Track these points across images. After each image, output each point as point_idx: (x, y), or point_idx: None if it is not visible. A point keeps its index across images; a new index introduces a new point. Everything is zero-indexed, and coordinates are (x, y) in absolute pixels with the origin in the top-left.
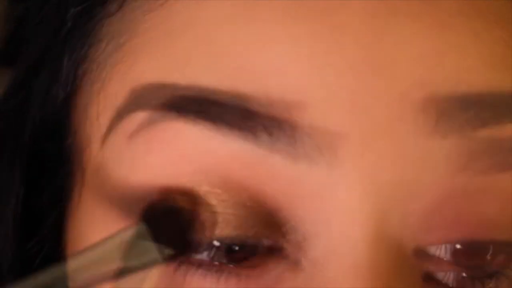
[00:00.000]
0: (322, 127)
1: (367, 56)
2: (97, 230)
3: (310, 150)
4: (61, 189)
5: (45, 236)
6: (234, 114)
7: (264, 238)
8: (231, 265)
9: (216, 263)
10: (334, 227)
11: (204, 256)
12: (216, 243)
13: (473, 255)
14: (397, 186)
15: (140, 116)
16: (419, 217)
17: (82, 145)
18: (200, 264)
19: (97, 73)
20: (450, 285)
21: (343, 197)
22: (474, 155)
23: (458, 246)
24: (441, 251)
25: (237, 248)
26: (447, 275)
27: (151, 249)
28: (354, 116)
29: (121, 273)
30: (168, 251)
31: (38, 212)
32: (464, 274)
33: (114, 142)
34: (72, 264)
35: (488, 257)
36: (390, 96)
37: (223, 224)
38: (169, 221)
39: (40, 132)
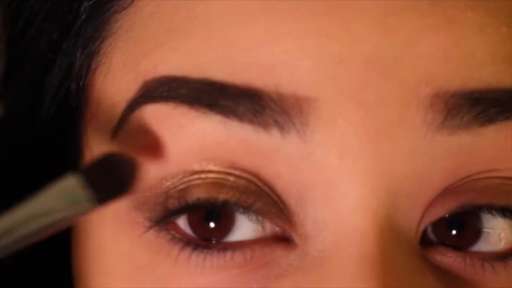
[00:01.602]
0: (333, 123)
1: (377, 53)
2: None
3: (321, 144)
4: None
5: None
6: (245, 108)
7: (274, 223)
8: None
9: (229, 251)
10: (344, 220)
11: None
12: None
13: (469, 228)
14: (406, 179)
15: (151, 108)
16: (423, 210)
17: (94, 138)
18: (206, 246)
19: (109, 67)
20: (459, 271)
21: (354, 188)
22: (480, 151)
23: (454, 232)
24: (446, 238)
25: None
26: (454, 261)
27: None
28: (363, 112)
29: (55, 224)
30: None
31: None
32: (472, 259)
33: (125, 133)
34: (9, 217)
35: (479, 226)
36: (400, 92)
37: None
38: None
39: (51, 127)
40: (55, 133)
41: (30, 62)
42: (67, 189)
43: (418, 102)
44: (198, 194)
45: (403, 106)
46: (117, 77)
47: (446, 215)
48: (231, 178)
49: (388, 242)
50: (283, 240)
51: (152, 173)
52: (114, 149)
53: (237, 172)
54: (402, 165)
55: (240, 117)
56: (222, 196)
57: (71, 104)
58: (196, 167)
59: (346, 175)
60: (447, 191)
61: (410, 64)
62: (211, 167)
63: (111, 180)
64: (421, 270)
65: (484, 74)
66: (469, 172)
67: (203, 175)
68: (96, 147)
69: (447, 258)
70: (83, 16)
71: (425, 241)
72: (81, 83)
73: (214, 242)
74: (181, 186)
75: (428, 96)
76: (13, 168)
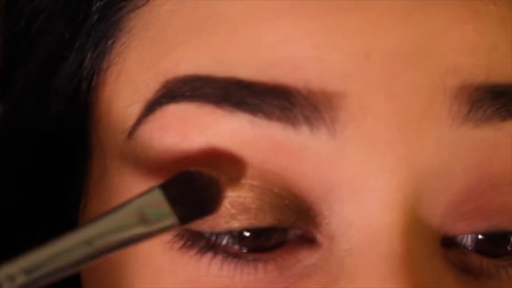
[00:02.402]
0: (362, 116)
1: (405, 45)
2: None
3: (351, 139)
4: (77, 184)
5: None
6: (274, 106)
7: (296, 227)
8: (265, 254)
9: (244, 250)
10: (370, 216)
11: (235, 246)
12: (246, 233)
13: (497, 245)
14: (428, 173)
15: (174, 108)
16: (448, 207)
17: (106, 137)
18: (237, 255)
19: (123, 66)
20: (476, 273)
21: (382, 182)
22: (502, 146)
23: (481, 236)
24: (467, 241)
25: (267, 236)
26: (473, 264)
27: (168, 214)
28: (392, 104)
29: (138, 239)
30: (185, 215)
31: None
32: (489, 263)
33: (145, 134)
34: (89, 230)
35: (509, 248)
36: (428, 83)
37: (256, 211)
38: (189, 187)
39: (58, 125)
40: (62, 131)
41: (35, 60)
42: (149, 204)
43: (444, 93)
44: (226, 224)
45: (430, 97)
46: (132, 76)
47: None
48: (261, 198)
49: (414, 238)
50: (307, 241)
51: (169, 175)
52: (130, 149)
53: (263, 184)
54: (429, 158)
55: (268, 115)
56: (255, 224)
57: (80, 102)
58: (221, 177)
59: (374, 169)
60: (477, 210)
61: (437, 55)
62: (237, 179)
63: (194, 197)
64: (442, 268)
65: (506, 68)
66: (491, 170)
67: (227, 192)
68: (110, 146)
69: (467, 259)
70: (95, 16)
71: (447, 240)
72: (92, 83)
73: (245, 251)
74: None
75: (454, 87)
76: (18, 166)
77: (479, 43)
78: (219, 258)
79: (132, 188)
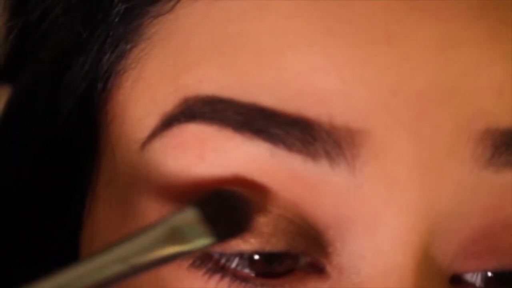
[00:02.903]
0: (384, 154)
1: (434, 84)
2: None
3: (370, 177)
4: (83, 184)
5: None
6: (296, 138)
7: (307, 255)
8: (273, 280)
9: (253, 275)
10: (383, 253)
11: (244, 269)
12: (256, 257)
13: (506, 284)
14: (448, 214)
15: (192, 128)
16: (459, 246)
17: (119, 143)
18: (245, 278)
19: (142, 73)
20: None
21: (398, 221)
22: None
23: (490, 274)
24: (476, 279)
25: (277, 262)
26: None
27: (204, 232)
28: (415, 144)
29: (174, 257)
30: (221, 233)
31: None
32: None
33: (159, 148)
34: (122, 248)
35: None
36: (453, 124)
37: (268, 236)
38: (223, 206)
39: (68, 123)
40: (71, 127)
41: (49, 50)
42: (184, 223)
43: (469, 135)
44: (237, 246)
45: (454, 139)
46: (151, 86)
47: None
48: (276, 224)
49: (424, 277)
50: (317, 270)
51: (187, 195)
52: (143, 160)
53: (277, 210)
54: (447, 200)
55: (289, 146)
56: (267, 248)
57: (93, 101)
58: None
59: (391, 207)
60: (488, 249)
61: (466, 96)
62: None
63: (229, 216)
64: None
65: None
66: (506, 212)
67: None
68: (120, 152)
69: None
70: (116, 17)
71: (456, 277)
72: (108, 84)
73: (253, 275)
74: None
75: (479, 130)
76: (22, 160)
77: (507, 85)
78: (226, 280)
79: (142, 198)
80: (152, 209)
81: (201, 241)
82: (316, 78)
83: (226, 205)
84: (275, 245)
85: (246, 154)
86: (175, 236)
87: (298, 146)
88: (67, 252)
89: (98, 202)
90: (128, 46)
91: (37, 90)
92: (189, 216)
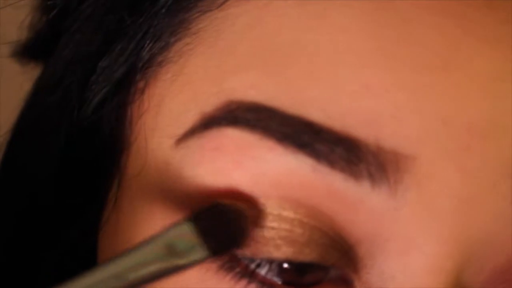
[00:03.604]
0: (428, 183)
1: (484, 118)
2: (146, 227)
3: (411, 202)
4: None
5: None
6: (340, 156)
7: (337, 268)
8: None
9: (280, 283)
10: (414, 277)
11: (273, 277)
12: (286, 265)
13: None
14: (484, 245)
15: (233, 133)
16: (490, 274)
17: (152, 135)
18: (271, 285)
19: (184, 69)
20: None
21: (433, 246)
22: None
23: None
24: None
25: (307, 272)
26: None
27: (199, 246)
28: (461, 177)
29: (168, 272)
30: (216, 247)
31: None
32: None
33: (196, 147)
34: (117, 264)
35: None
36: (499, 160)
37: (302, 246)
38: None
39: (100, 107)
40: (101, 116)
41: (85, 37)
42: (179, 236)
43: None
44: (269, 253)
45: (499, 174)
46: (193, 83)
47: None
48: (310, 234)
49: None
50: (344, 284)
51: (221, 198)
52: (176, 156)
53: (312, 222)
54: (485, 232)
55: (332, 164)
56: (300, 258)
57: (127, 90)
58: (271, 209)
59: (428, 233)
60: None
61: (510, 131)
62: (288, 214)
63: (223, 230)
64: None
65: None
66: None
67: (275, 224)
68: (154, 146)
69: None
70: (163, 8)
71: None
72: (147, 74)
73: (280, 283)
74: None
75: None
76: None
77: None
78: (253, 286)
79: (172, 194)
80: (182, 205)
81: (195, 256)
82: (368, 99)
83: (221, 219)
84: (308, 255)
85: (286, 166)
86: (170, 250)
87: (341, 164)
88: (86, 246)
89: (125, 194)
90: (172, 39)
91: (69, 71)
92: (183, 230)
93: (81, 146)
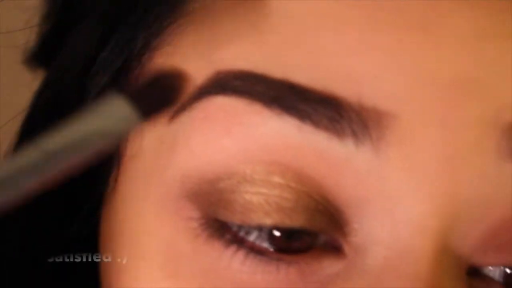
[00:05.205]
0: (410, 140)
1: (466, 75)
2: (141, 208)
3: (394, 160)
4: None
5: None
6: (323, 115)
7: (325, 233)
8: (290, 255)
9: (273, 250)
10: (401, 237)
11: (263, 243)
12: (276, 232)
13: None
14: (467, 204)
15: (221, 100)
16: (480, 238)
17: None
18: (260, 251)
19: (176, 48)
20: None
21: (419, 205)
22: None
23: (507, 269)
24: (494, 273)
25: (296, 238)
26: None
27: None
28: (443, 134)
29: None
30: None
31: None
32: None
33: (187, 120)
34: (36, 145)
35: None
36: (482, 116)
37: (290, 211)
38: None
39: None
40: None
41: (87, 27)
42: (110, 106)
43: (496, 127)
44: (258, 220)
45: (481, 131)
46: (185, 61)
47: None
48: (296, 199)
49: (441, 266)
50: (333, 249)
51: (211, 166)
52: (170, 133)
53: (300, 186)
54: (470, 190)
55: (316, 123)
56: (287, 223)
57: (126, 77)
58: (260, 175)
59: (412, 192)
60: (508, 244)
61: (496, 88)
62: (276, 179)
63: (153, 91)
64: None
65: None
66: None
67: (264, 190)
68: (149, 127)
69: None
70: None
71: (474, 270)
72: (141, 59)
73: (271, 250)
74: (240, 200)
75: (506, 122)
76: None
77: None
78: (242, 252)
79: (167, 171)
80: (177, 183)
81: (124, 120)
82: (349, 59)
83: (149, 82)
84: (296, 221)
85: (273, 129)
86: (103, 119)
87: (325, 123)
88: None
89: (123, 176)
90: (167, 22)
91: (72, 65)
92: (113, 99)
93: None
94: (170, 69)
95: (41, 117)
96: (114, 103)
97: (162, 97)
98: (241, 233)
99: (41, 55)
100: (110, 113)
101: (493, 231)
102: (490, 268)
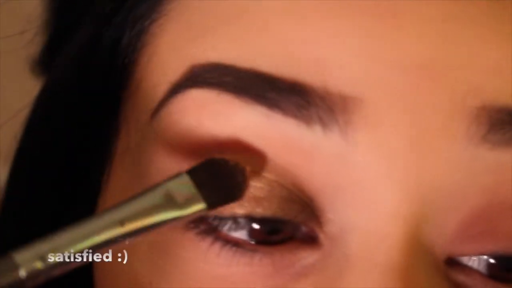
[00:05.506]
0: (377, 124)
1: (432, 59)
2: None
3: (362, 145)
4: (103, 156)
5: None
6: (291, 102)
7: (302, 224)
8: (266, 247)
9: (252, 242)
10: (374, 225)
11: (241, 235)
12: (255, 225)
13: (504, 270)
14: (439, 191)
15: (195, 93)
16: (456, 227)
17: (132, 117)
18: (236, 243)
19: (156, 47)
20: None
21: (390, 193)
22: None
23: (491, 260)
24: (473, 263)
25: (274, 231)
26: (475, 286)
27: (197, 198)
28: (410, 117)
29: (166, 222)
30: (214, 199)
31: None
32: (493, 287)
33: (165, 116)
34: (121, 211)
35: None
36: (449, 100)
37: (262, 201)
38: (216, 174)
39: (95, 101)
40: (97, 104)
41: (79, 34)
42: (178, 188)
43: (464, 112)
44: (231, 208)
45: (449, 115)
46: (163, 59)
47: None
48: (269, 189)
49: (414, 254)
50: (309, 239)
51: (187, 159)
52: (151, 130)
53: (272, 176)
54: (441, 176)
55: (284, 111)
56: (259, 212)
57: (115, 78)
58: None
59: (383, 178)
60: (486, 232)
61: (463, 73)
62: (248, 168)
63: (221, 184)
64: (442, 287)
65: None
66: (504, 193)
67: None
68: (133, 127)
69: (470, 280)
70: None
71: (452, 260)
72: (126, 60)
73: (246, 240)
74: None
75: (475, 107)
76: (54, 138)
77: (505, 63)
78: (218, 244)
79: (151, 167)
80: (159, 176)
81: (194, 207)
82: (312, 47)
83: (218, 173)
84: (267, 208)
85: (244, 118)
86: (169, 201)
87: (293, 110)
88: None
89: (115, 170)
90: (147, 23)
91: (69, 69)
92: (181, 182)
93: (81, 129)
94: (234, 164)
95: (42, 120)
96: (186, 190)
97: (228, 191)
98: (216, 223)
99: (44, 62)
100: (181, 200)
101: (470, 220)
102: (474, 258)
